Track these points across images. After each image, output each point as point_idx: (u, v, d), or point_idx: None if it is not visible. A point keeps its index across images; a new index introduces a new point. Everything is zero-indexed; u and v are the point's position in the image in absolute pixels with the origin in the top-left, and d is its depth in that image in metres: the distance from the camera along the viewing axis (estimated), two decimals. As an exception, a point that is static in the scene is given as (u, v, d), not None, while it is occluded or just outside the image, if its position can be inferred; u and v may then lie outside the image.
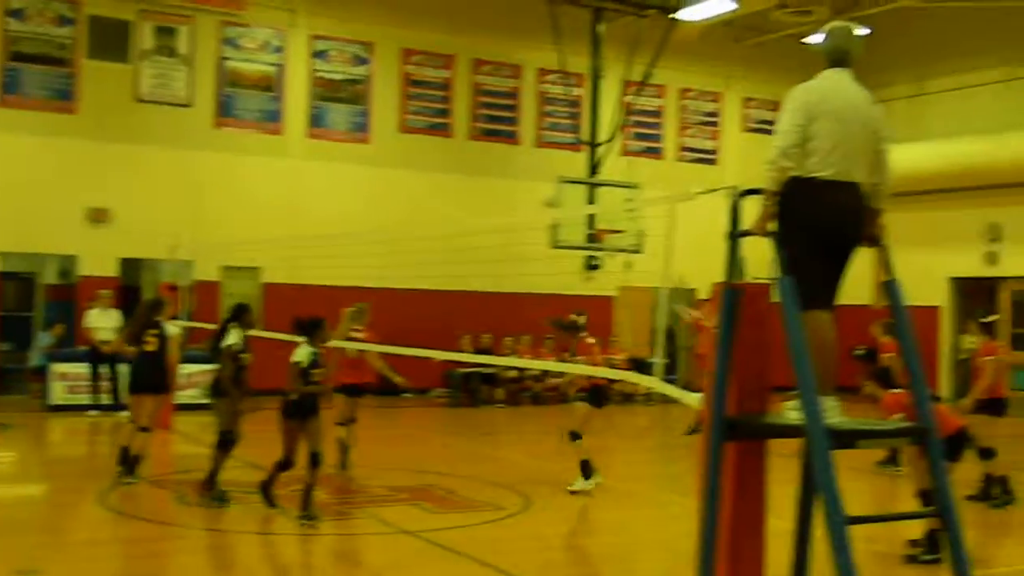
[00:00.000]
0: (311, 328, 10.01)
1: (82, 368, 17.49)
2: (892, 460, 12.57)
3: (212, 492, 10.08)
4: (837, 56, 5.24)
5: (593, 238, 20.70)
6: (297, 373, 9.66)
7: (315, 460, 9.46)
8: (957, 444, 8.36)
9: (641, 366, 17.10)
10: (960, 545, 4.75)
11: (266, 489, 9.86)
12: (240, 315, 10.78)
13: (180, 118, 20.45)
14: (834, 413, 4.82)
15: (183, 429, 15.51)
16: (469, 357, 18.57)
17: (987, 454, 10.74)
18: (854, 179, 5.07)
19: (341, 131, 21.86)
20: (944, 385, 24.21)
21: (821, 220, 4.99)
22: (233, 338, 10.50)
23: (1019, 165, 21.45)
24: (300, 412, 9.64)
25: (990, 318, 12.20)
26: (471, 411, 20.13)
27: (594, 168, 22.31)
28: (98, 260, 19.54)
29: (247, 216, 20.05)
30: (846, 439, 4.83)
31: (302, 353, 9.82)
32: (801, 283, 4.89)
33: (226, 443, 10.36)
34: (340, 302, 20.26)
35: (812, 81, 5.20)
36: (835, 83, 5.15)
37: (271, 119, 21.26)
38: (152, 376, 11.48)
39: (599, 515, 10.97)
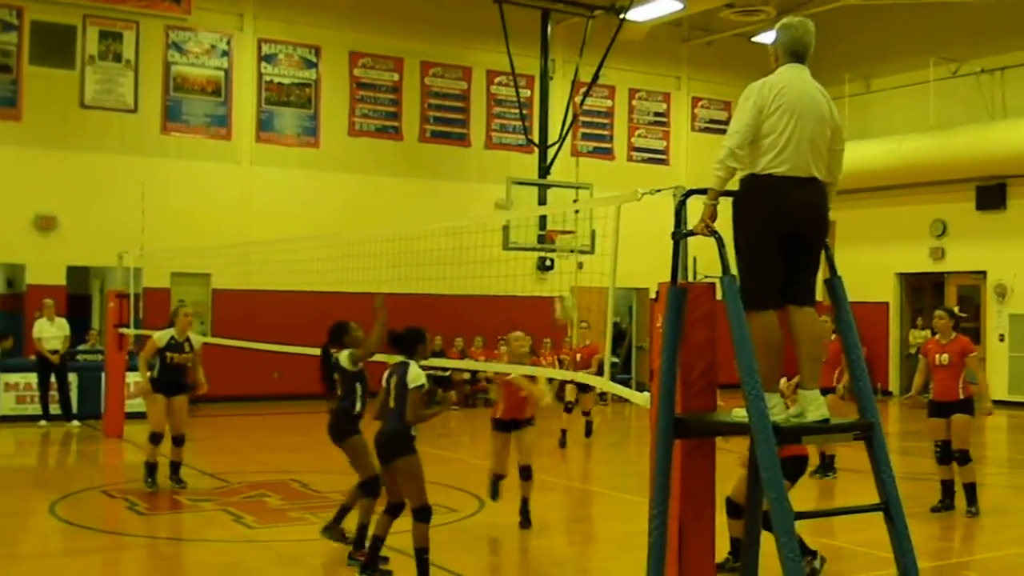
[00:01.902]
0: (413, 341, 8.01)
1: (32, 378, 17.27)
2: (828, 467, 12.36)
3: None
4: (795, 50, 5.16)
5: (544, 239, 20.74)
6: (419, 399, 7.61)
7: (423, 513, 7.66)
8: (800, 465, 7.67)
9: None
10: (906, 539, 4.81)
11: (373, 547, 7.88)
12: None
13: (126, 124, 20.26)
14: (779, 410, 4.87)
15: (135, 438, 15.36)
16: (423, 361, 18.53)
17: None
18: (812, 174, 5.02)
19: (290, 135, 21.76)
20: (892, 380, 24.53)
21: (778, 217, 4.94)
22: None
23: (964, 162, 21.79)
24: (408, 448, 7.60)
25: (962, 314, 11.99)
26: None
27: (545, 169, 22.36)
28: (46, 269, 19.32)
29: (196, 222, 19.90)
30: (791, 436, 4.88)
31: (418, 373, 7.71)
32: (752, 281, 4.92)
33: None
34: (291, 307, 20.28)
35: (769, 76, 5.11)
36: (792, 78, 5.07)
37: (219, 124, 21.10)
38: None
39: (552, 515, 11.00)
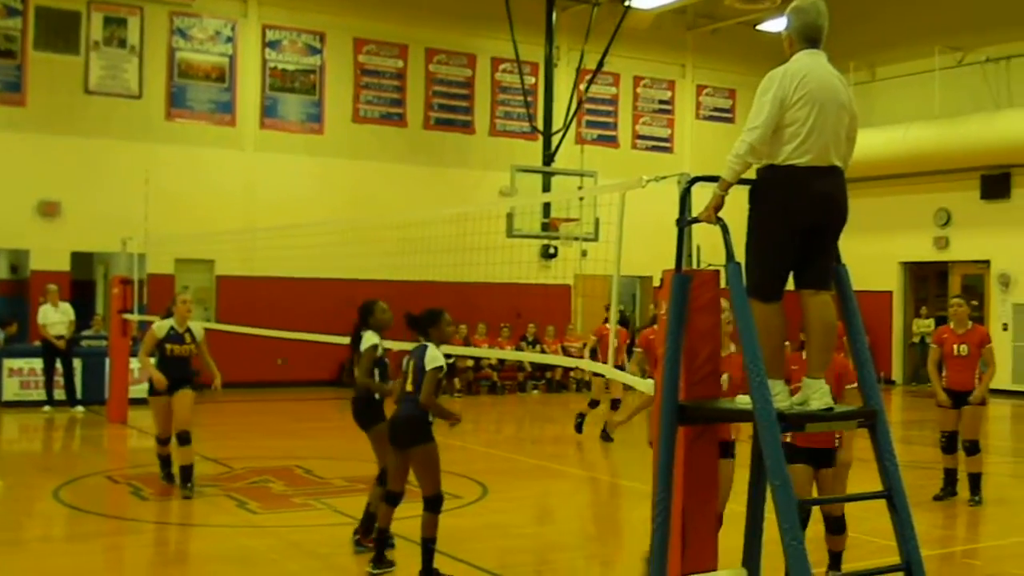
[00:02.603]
0: (426, 323, 7.76)
1: (36, 363, 17.31)
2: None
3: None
4: (810, 35, 5.03)
5: (548, 227, 20.74)
6: (434, 381, 7.55)
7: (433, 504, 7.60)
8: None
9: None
10: (910, 527, 4.82)
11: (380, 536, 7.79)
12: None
13: (131, 110, 20.26)
14: (783, 397, 4.87)
15: (139, 424, 15.39)
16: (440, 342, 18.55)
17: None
18: (833, 163, 4.94)
19: (294, 122, 21.75)
20: (896, 369, 24.53)
21: (799, 209, 4.86)
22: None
23: (968, 151, 21.75)
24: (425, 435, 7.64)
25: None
26: (429, 401, 20.07)
27: (549, 157, 22.34)
28: (50, 254, 19.34)
29: (200, 208, 19.91)
30: (795, 422, 4.88)
31: (436, 355, 7.60)
32: (763, 271, 4.89)
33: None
34: (295, 294, 20.30)
35: (789, 65, 4.98)
36: (812, 66, 4.95)
37: (223, 110, 21.10)
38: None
39: (557, 502, 11.03)
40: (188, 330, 10.64)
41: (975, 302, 12.20)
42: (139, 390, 16.73)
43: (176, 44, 20.73)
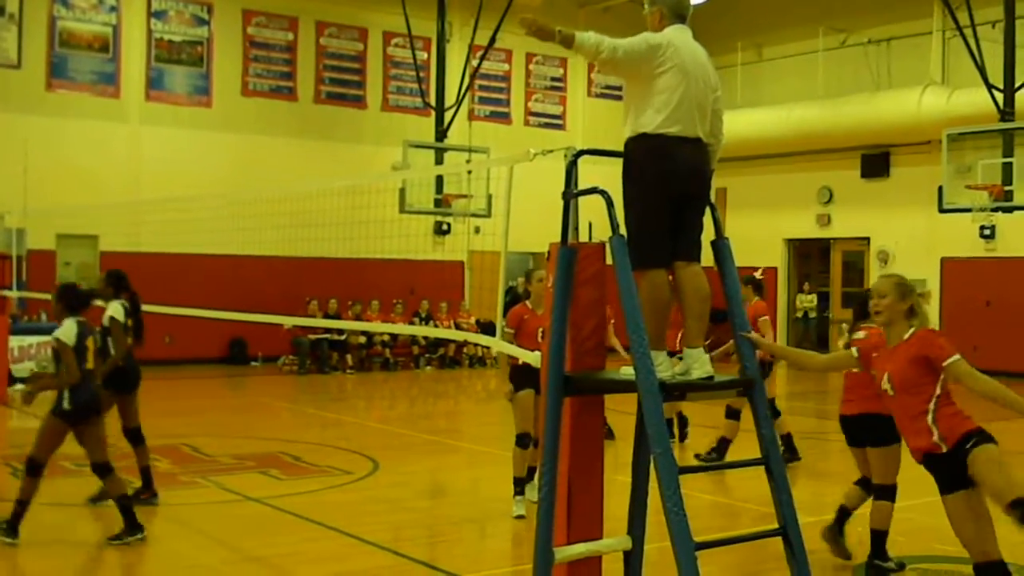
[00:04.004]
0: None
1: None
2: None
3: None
4: (680, 11, 5.16)
5: (441, 203, 20.73)
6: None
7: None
8: None
9: (490, 329, 17.28)
10: (786, 492, 4.97)
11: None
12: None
13: (9, 79, 19.61)
14: (665, 368, 4.96)
15: (17, 403, 15.00)
16: (320, 322, 18.48)
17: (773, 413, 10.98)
18: (698, 135, 5.06)
19: (181, 94, 21.31)
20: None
21: (669, 177, 4.97)
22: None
23: (850, 130, 22.34)
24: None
25: (759, 275, 11.97)
26: (320, 378, 20.00)
27: (442, 133, 22.30)
28: (-77, 229, 18.63)
29: (83, 182, 19.39)
30: (676, 392, 4.99)
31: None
32: (642, 240, 4.97)
33: None
34: (181, 270, 19.92)
35: (659, 34, 5.08)
36: (681, 39, 5.08)
37: (107, 81, 20.56)
38: None
39: (448, 477, 11.08)
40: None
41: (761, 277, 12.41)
42: (20, 369, 16.38)
43: (57, 12, 20.11)
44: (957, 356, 5.33)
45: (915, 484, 6.63)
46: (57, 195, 18.29)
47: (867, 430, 7.03)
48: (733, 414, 10.77)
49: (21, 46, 19.72)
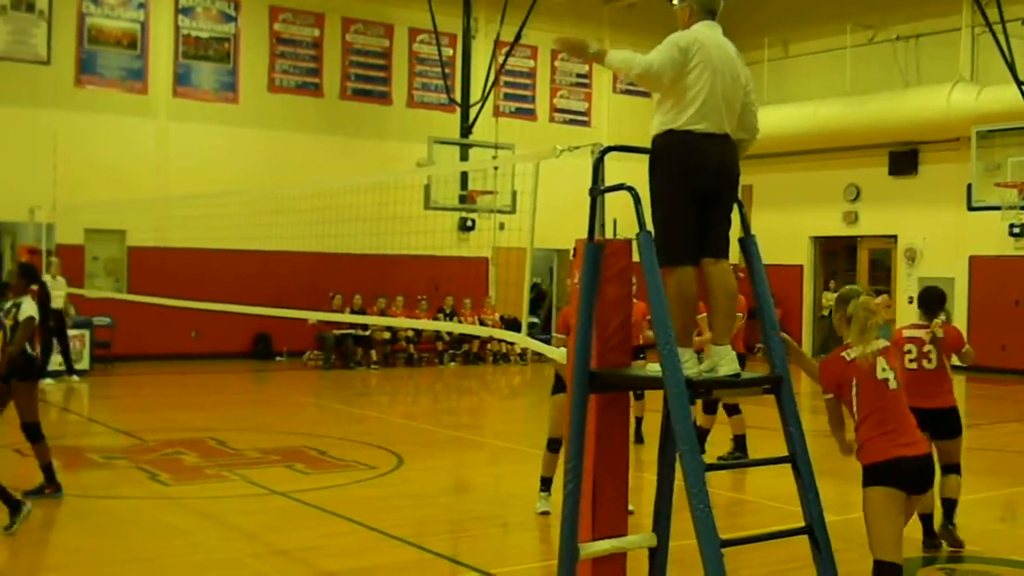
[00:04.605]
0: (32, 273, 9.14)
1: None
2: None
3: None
4: (710, 6, 5.17)
5: (466, 199, 20.76)
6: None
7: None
8: None
9: (515, 326, 17.30)
10: (813, 491, 4.95)
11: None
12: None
13: (38, 76, 19.75)
14: (692, 365, 4.95)
15: (51, 398, 15.12)
16: (344, 317, 18.54)
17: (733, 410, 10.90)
18: (726, 131, 5.06)
19: (208, 90, 21.40)
20: (806, 340, 25.03)
21: (697, 173, 4.96)
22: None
23: (878, 127, 22.20)
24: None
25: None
26: (345, 373, 20.06)
27: (467, 129, 22.31)
28: (-45, 224, 18.83)
29: (111, 177, 19.52)
30: (702, 389, 4.98)
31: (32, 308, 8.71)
32: (669, 236, 4.95)
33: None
34: (208, 265, 20.03)
35: (687, 31, 5.09)
36: (710, 36, 5.08)
37: (135, 77, 20.68)
38: None
39: (472, 472, 11.10)
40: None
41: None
42: (53, 363, 16.57)
43: (86, 9, 20.24)
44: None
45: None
46: (85, 190, 18.43)
47: (952, 421, 7.52)
48: (710, 408, 10.76)
49: (51, 42, 19.86)
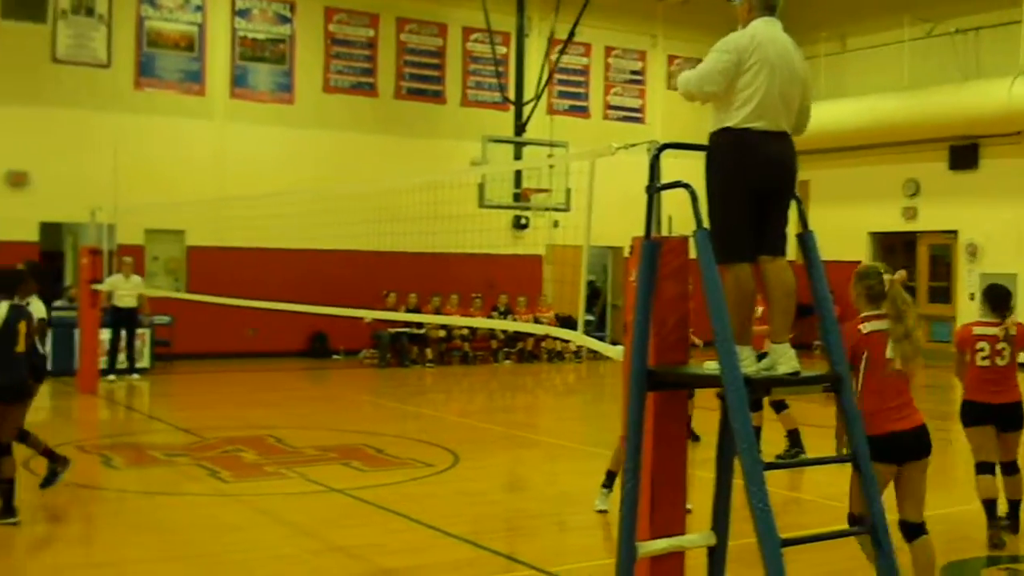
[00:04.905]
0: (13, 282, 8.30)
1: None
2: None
3: None
4: (770, 3, 5.14)
5: (520, 197, 20.75)
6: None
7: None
8: None
9: (569, 323, 17.29)
10: (874, 488, 4.91)
11: None
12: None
13: (98, 79, 20.07)
14: (750, 363, 4.92)
15: (107, 395, 15.37)
16: (399, 316, 18.64)
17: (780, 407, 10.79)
18: (783, 128, 5.05)
19: (264, 91, 21.61)
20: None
21: (754, 171, 4.95)
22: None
23: (936, 121, 21.88)
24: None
25: None
26: (400, 371, 20.17)
27: (521, 127, 22.31)
28: (18, 224, 19.13)
29: (170, 178, 19.77)
30: (761, 387, 4.94)
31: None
32: (726, 234, 4.92)
33: None
34: (265, 264, 20.23)
35: (745, 30, 5.08)
36: (768, 32, 5.05)
37: (193, 79, 20.93)
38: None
39: (528, 471, 11.11)
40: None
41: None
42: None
43: (145, 12, 20.52)
44: None
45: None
46: (145, 191, 18.67)
47: (1019, 415, 7.67)
48: (755, 405, 10.63)
49: (110, 46, 20.17)
